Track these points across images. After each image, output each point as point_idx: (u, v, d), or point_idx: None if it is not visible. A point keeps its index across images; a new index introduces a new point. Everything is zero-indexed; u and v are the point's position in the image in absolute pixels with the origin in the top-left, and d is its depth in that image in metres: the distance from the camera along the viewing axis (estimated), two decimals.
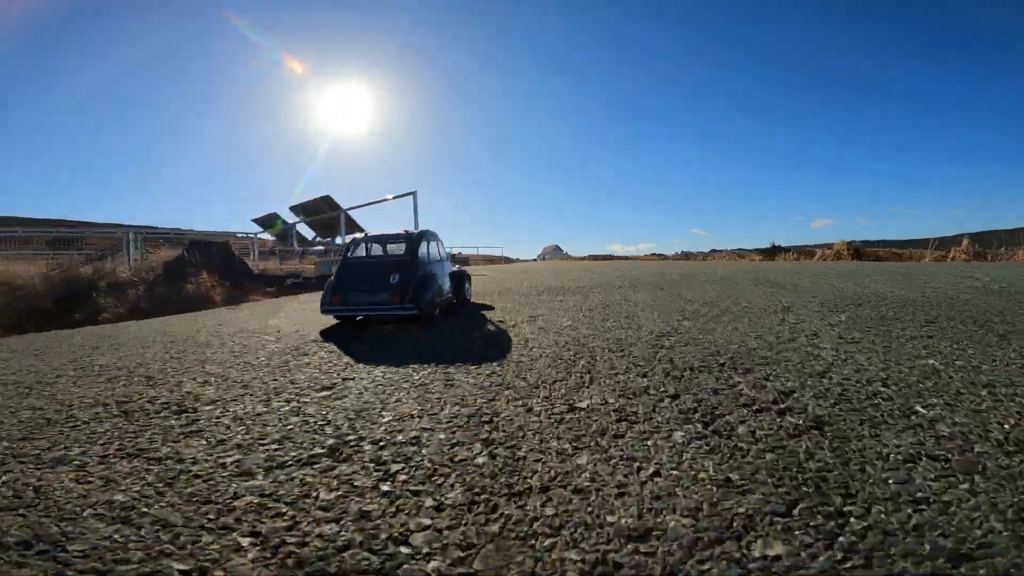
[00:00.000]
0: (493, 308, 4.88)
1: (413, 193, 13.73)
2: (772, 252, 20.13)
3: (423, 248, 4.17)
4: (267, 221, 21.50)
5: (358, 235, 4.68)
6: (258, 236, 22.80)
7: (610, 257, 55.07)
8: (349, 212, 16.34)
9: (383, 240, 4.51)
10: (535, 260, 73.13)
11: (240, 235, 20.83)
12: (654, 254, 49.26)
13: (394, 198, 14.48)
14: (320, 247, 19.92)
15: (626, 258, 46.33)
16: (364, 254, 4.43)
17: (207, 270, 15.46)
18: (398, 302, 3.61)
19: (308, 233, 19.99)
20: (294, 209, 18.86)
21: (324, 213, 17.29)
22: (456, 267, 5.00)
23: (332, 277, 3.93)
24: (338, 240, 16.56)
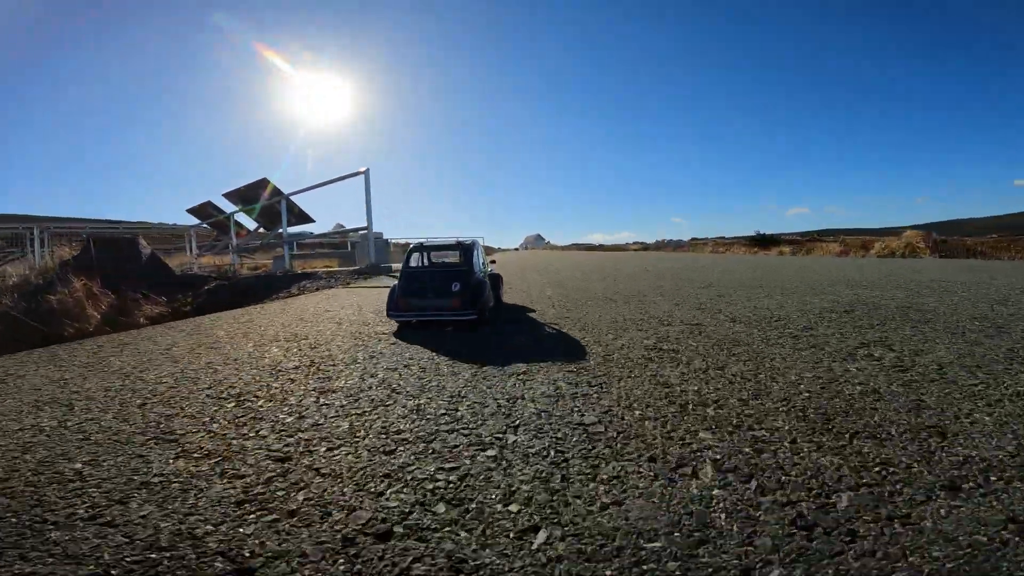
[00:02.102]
0: None
1: (364, 172, 10.79)
2: (803, 242, 17.79)
3: (475, 256, 4.38)
4: (202, 211, 18.19)
5: (414, 244, 4.85)
6: (196, 228, 19.47)
7: (598, 247, 52.61)
8: (292, 198, 13.27)
9: (438, 249, 4.88)
10: (517, 249, 70.44)
11: (204, 225, 17.51)
12: (636, 242, 47.07)
13: (343, 178, 11.51)
14: (258, 240, 16.74)
15: (617, 248, 43.88)
16: (420, 263, 4.65)
17: (112, 271, 12.28)
18: (459, 307, 3.91)
19: (250, 224, 16.79)
20: (230, 197, 15.63)
21: (263, 200, 14.16)
22: (491, 270, 5.06)
23: (397, 284, 4.19)
24: (279, 231, 13.49)
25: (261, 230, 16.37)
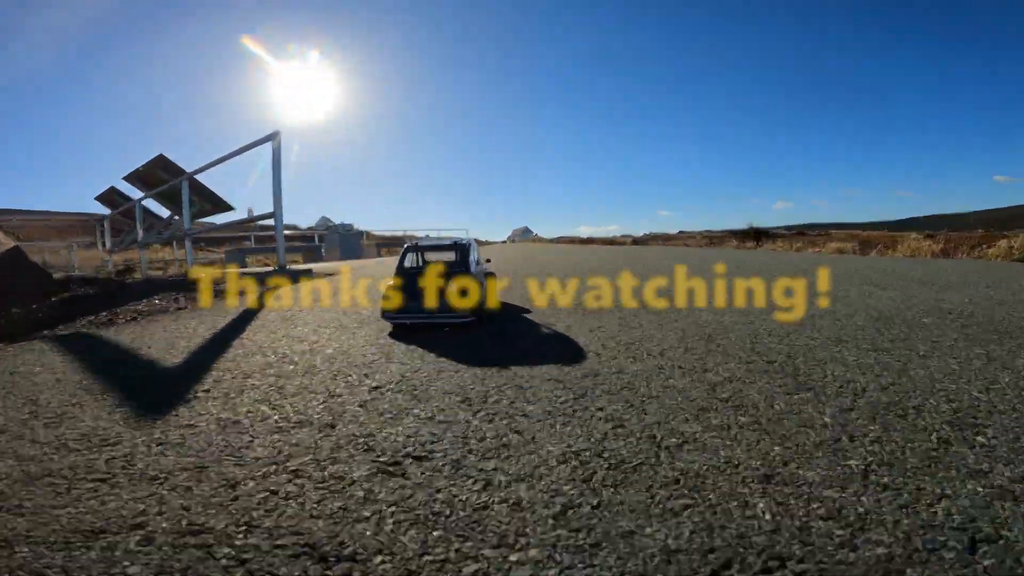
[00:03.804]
0: None
1: (273, 136, 7.78)
2: (870, 236, 15.18)
3: (471, 255, 4.42)
4: (109, 199, 14.97)
5: (409, 243, 4.77)
6: (110, 219, 16.23)
7: (588, 240, 49.72)
8: (195, 176, 10.20)
9: (432, 247, 4.97)
10: (505, 242, 67.69)
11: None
12: (624, 235, 44.61)
13: (250, 147, 8.49)
14: (157, 235, 13.59)
15: (610, 242, 41.13)
16: (415, 264, 4.70)
17: None
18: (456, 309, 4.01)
19: (161, 211, 13.61)
20: (131, 180, 12.48)
21: (164, 182, 11.06)
22: (484, 268, 4.94)
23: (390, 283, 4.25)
24: (187, 222, 10.40)
25: (178, 218, 13.23)
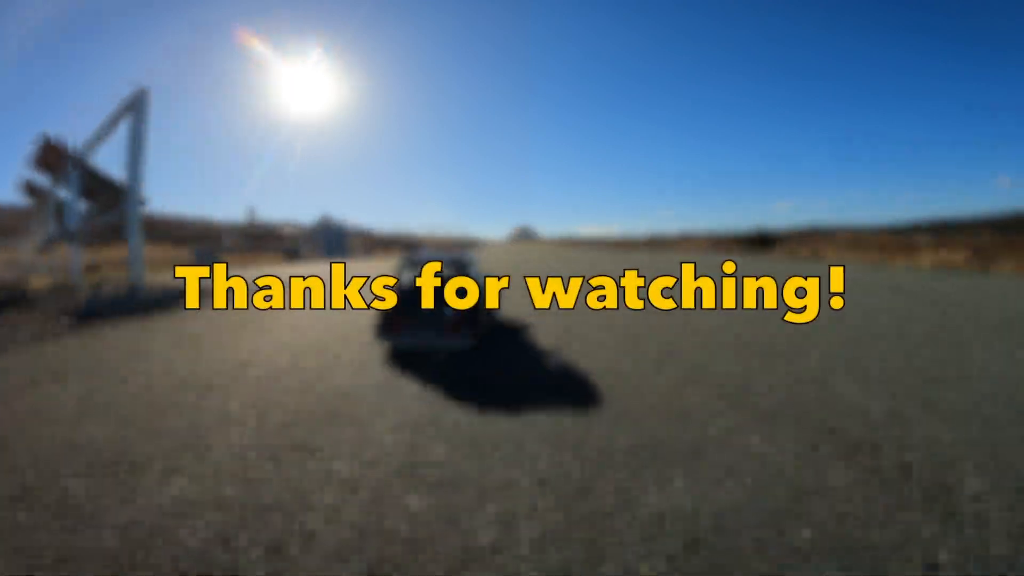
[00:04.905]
0: None
1: (138, 94, 5.86)
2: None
3: (471, 272, 4.29)
4: (30, 190, 13.20)
5: (406, 257, 4.66)
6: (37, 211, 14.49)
7: (595, 243, 47.48)
8: (82, 157, 8.36)
9: (433, 262, 4.77)
10: (505, 241, 65.83)
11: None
12: (626, 235, 42.51)
13: (121, 115, 6.57)
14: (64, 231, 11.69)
15: (621, 244, 38.95)
16: (412, 280, 4.48)
17: None
18: (454, 333, 3.75)
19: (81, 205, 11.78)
20: (36, 167, 10.68)
21: (60, 168, 9.23)
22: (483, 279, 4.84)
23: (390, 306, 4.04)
24: (72, 215, 8.53)
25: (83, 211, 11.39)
